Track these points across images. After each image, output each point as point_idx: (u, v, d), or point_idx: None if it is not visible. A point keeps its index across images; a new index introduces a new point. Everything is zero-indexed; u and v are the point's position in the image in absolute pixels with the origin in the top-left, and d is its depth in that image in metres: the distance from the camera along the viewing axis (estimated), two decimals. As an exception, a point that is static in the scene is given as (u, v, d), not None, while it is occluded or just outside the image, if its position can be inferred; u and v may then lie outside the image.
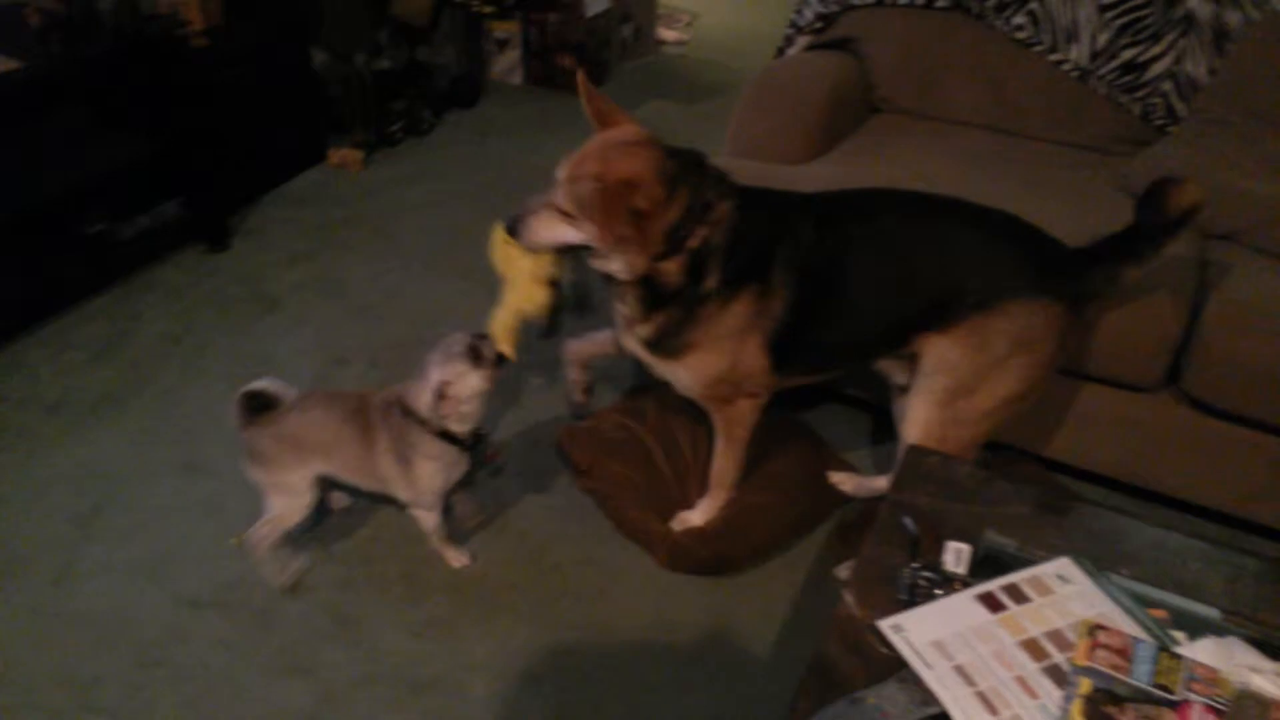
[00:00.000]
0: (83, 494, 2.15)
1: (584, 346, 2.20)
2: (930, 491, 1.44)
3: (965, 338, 1.74)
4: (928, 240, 1.76)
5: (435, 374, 1.76)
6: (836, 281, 1.76)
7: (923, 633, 1.18)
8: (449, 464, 1.87)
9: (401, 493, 1.91)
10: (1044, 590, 1.25)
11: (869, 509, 2.12)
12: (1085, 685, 1.10)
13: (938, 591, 1.25)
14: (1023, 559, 1.32)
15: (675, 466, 2.18)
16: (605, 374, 2.42)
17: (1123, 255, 1.70)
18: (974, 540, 1.34)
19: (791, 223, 1.74)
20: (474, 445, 1.89)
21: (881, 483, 2.18)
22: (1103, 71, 2.50)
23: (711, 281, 1.70)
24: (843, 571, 1.99)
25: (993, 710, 1.09)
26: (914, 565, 1.29)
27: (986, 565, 1.31)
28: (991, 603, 1.23)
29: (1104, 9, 2.48)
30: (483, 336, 1.80)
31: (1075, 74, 2.53)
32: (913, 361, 1.84)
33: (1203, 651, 1.16)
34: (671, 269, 1.69)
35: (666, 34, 5.07)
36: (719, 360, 1.79)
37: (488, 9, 4.32)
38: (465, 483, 1.99)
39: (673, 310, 1.74)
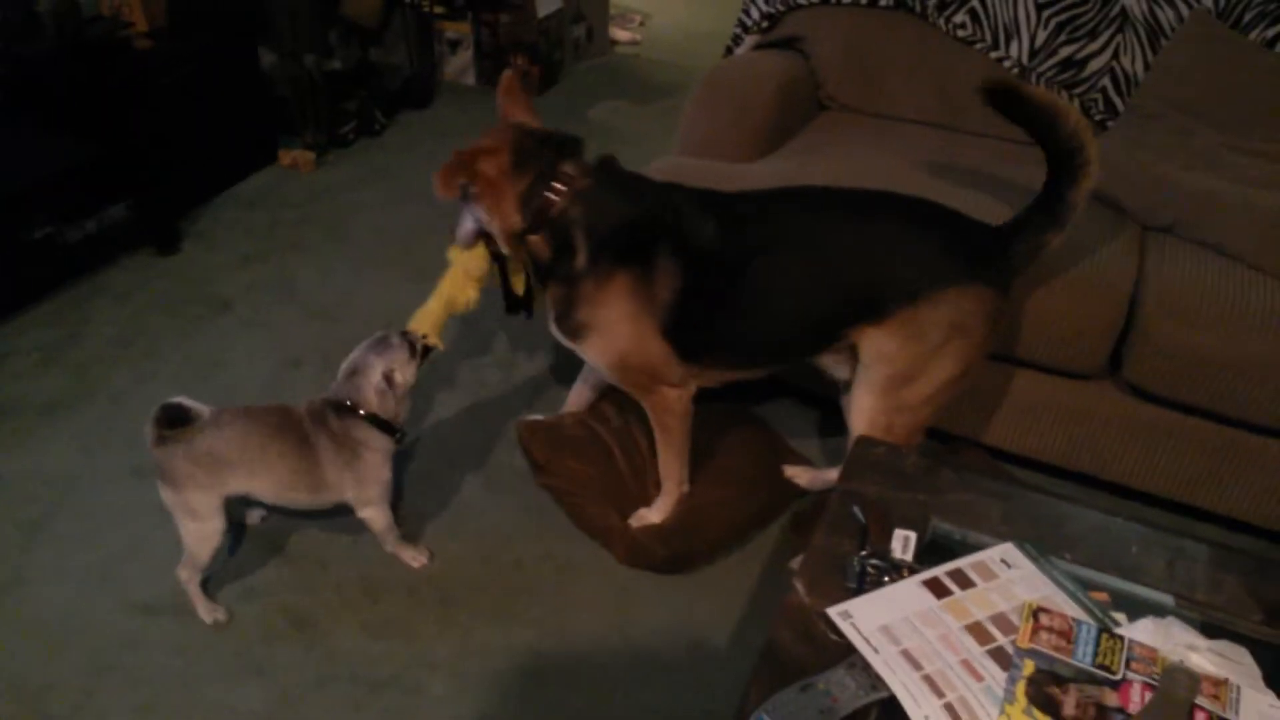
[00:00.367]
0: (31, 500, 2.12)
1: (578, 398, 2.31)
2: (878, 481, 1.47)
3: (900, 329, 1.77)
4: (848, 236, 1.79)
5: (379, 364, 1.85)
6: (743, 276, 1.78)
7: (871, 619, 1.21)
8: (389, 454, 1.90)
9: (351, 494, 1.90)
10: (988, 575, 1.29)
11: (822, 501, 2.15)
12: (1029, 667, 1.14)
13: (886, 579, 1.28)
14: (968, 545, 1.36)
15: (633, 464, 2.19)
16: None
17: (1041, 223, 1.75)
18: (921, 528, 1.37)
19: (681, 213, 1.80)
20: (401, 437, 1.93)
21: (834, 475, 2.21)
22: (1042, 68, 2.56)
23: (581, 259, 1.78)
24: (797, 564, 2.02)
25: (939, 693, 1.12)
26: (863, 553, 1.32)
27: (933, 552, 1.34)
28: (937, 588, 1.26)
29: (1041, 7, 2.54)
30: (406, 332, 1.91)
31: (1016, 71, 2.58)
32: (852, 354, 1.87)
33: (1142, 632, 1.19)
34: (538, 242, 1.81)
35: (619, 34, 5.09)
36: (613, 343, 1.85)
37: (438, 9, 4.31)
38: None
39: (555, 286, 1.84)
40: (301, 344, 2.64)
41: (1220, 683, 1.11)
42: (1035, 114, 1.73)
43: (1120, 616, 1.24)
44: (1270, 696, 1.12)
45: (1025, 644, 1.17)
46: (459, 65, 4.51)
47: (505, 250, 1.87)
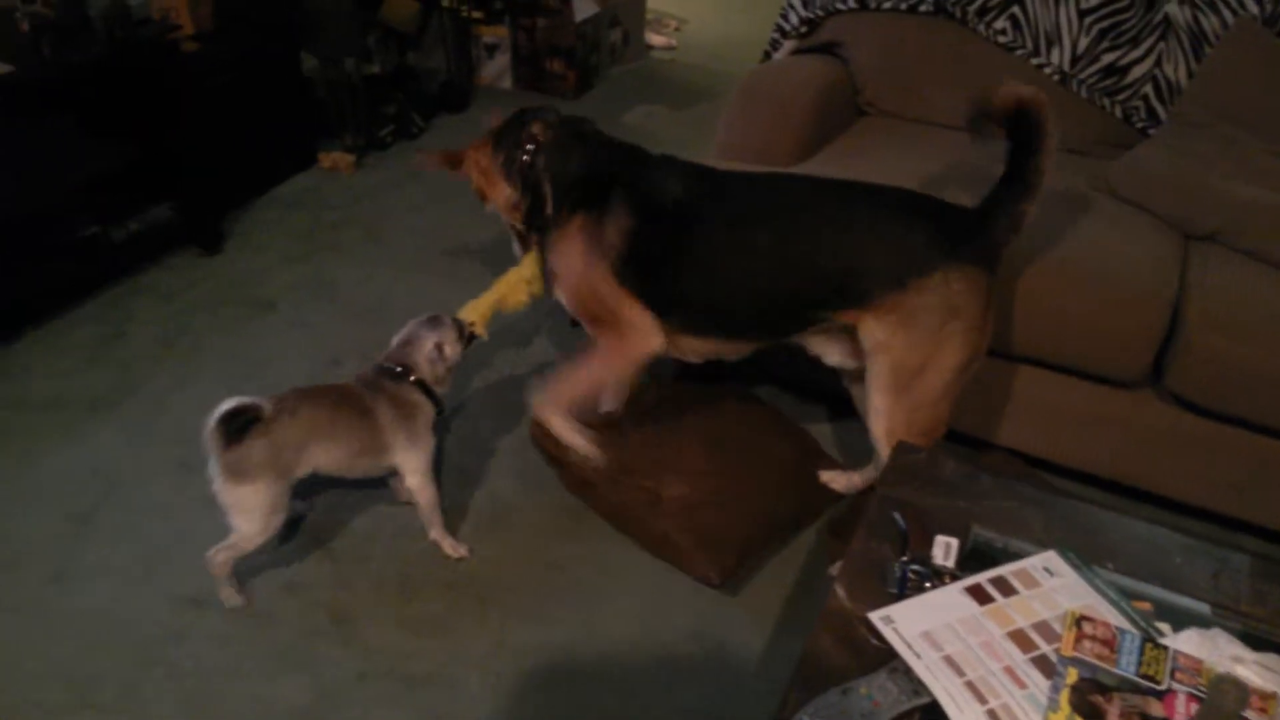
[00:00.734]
0: (79, 494, 2.16)
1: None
2: (918, 487, 1.47)
3: (888, 316, 1.78)
4: (822, 216, 1.82)
5: (432, 336, 2.02)
6: (705, 234, 1.85)
7: (913, 624, 1.21)
8: (432, 422, 2.03)
9: (406, 458, 1.98)
10: (1031, 583, 1.28)
11: (857, 505, 2.15)
12: (1072, 675, 1.13)
13: (927, 585, 1.28)
14: (1009, 552, 1.36)
15: (644, 436, 2.21)
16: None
17: (1015, 194, 1.73)
18: (961, 534, 1.37)
19: (644, 167, 1.94)
20: (441, 410, 2.06)
21: (860, 478, 2.21)
22: (1084, 75, 2.55)
23: (549, 207, 1.98)
24: (836, 570, 2.02)
25: (982, 699, 1.12)
26: (903, 559, 1.32)
27: (974, 559, 1.34)
28: (980, 595, 1.26)
29: (1084, 13, 2.52)
30: (455, 317, 2.09)
31: (1056, 77, 2.57)
32: (850, 343, 1.89)
33: (1187, 642, 1.19)
34: (517, 198, 2.05)
35: (655, 39, 5.10)
36: (569, 279, 1.98)
37: (476, 14, 4.35)
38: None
39: (538, 243, 2.06)
40: (341, 344, 2.67)
41: (1269, 696, 1.10)
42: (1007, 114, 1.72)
43: (1164, 626, 1.24)
44: (1319, 711, 1.11)
45: (1068, 652, 1.16)
46: (496, 69, 4.55)
47: (506, 217, 2.12)
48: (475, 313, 2.12)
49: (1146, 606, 1.27)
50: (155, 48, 2.81)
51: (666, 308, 1.93)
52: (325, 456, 1.91)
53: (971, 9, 2.60)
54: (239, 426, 1.77)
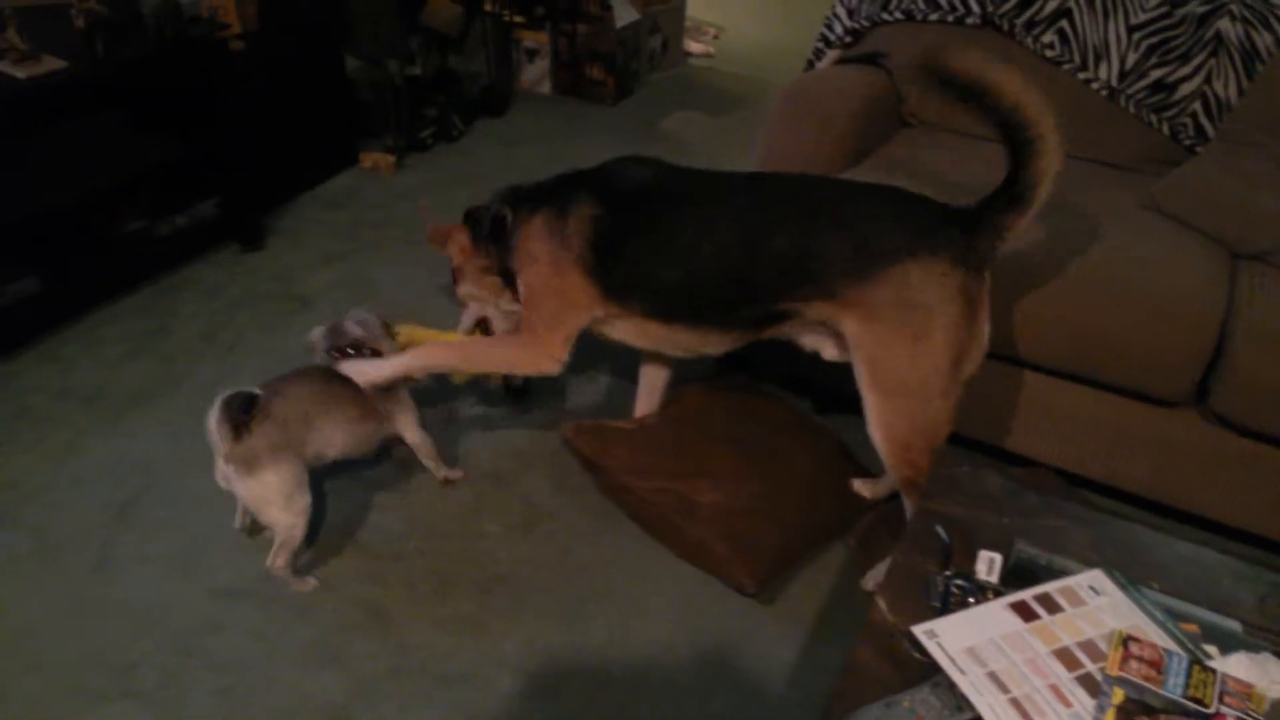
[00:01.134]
0: (119, 485, 2.19)
1: (644, 405, 2.39)
2: (961, 501, 1.46)
3: (855, 309, 1.77)
4: (786, 206, 1.83)
5: (362, 316, 2.17)
6: (663, 213, 1.89)
7: (957, 639, 1.20)
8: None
9: (401, 421, 2.12)
10: (1076, 601, 1.27)
11: (886, 514, 2.14)
12: (1118, 695, 1.12)
13: (970, 599, 1.27)
14: (1053, 570, 1.35)
15: (680, 437, 2.23)
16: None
17: (1003, 202, 1.70)
18: (1005, 550, 1.36)
19: (604, 168, 2.01)
20: None
21: (882, 487, 2.19)
22: (1131, 91, 2.52)
23: (511, 229, 2.08)
24: (870, 582, 2.01)
25: (1026, 717, 1.11)
26: (946, 573, 1.31)
27: (1017, 575, 1.33)
28: (1024, 611, 1.25)
29: (1133, 29, 2.50)
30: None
31: (1104, 92, 2.55)
32: (833, 335, 1.89)
33: (1236, 666, 1.17)
34: (488, 262, 2.19)
35: (694, 46, 5.12)
36: (532, 270, 2.02)
37: (518, 19, 4.37)
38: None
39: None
40: (379, 343, 2.69)
41: (1321, 722, 1.09)
42: (966, 90, 1.67)
43: (1211, 649, 1.22)
44: (1372, 739, 1.09)
45: (1114, 672, 1.15)
46: (535, 74, 4.57)
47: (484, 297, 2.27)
48: (410, 331, 2.26)
49: (1193, 628, 1.26)
50: (204, 46, 2.84)
51: (628, 291, 1.95)
52: (330, 431, 1.96)
53: (1019, 22, 2.58)
54: (242, 415, 1.81)
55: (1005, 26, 2.60)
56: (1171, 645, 1.21)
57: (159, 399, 2.46)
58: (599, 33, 4.33)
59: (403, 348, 2.16)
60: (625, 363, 2.51)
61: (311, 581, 1.97)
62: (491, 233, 2.13)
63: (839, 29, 2.83)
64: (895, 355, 1.77)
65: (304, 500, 1.91)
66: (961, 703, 1.13)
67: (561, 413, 2.49)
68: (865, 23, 2.76)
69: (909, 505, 1.93)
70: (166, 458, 2.27)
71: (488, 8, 4.16)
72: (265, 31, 3.14)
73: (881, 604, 1.29)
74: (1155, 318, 1.95)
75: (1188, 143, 2.49)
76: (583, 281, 1.96)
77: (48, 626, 1.87)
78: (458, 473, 2.26)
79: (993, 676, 1.15)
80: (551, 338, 2.02)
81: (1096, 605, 1.27)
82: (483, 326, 2.34)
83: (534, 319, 2.04)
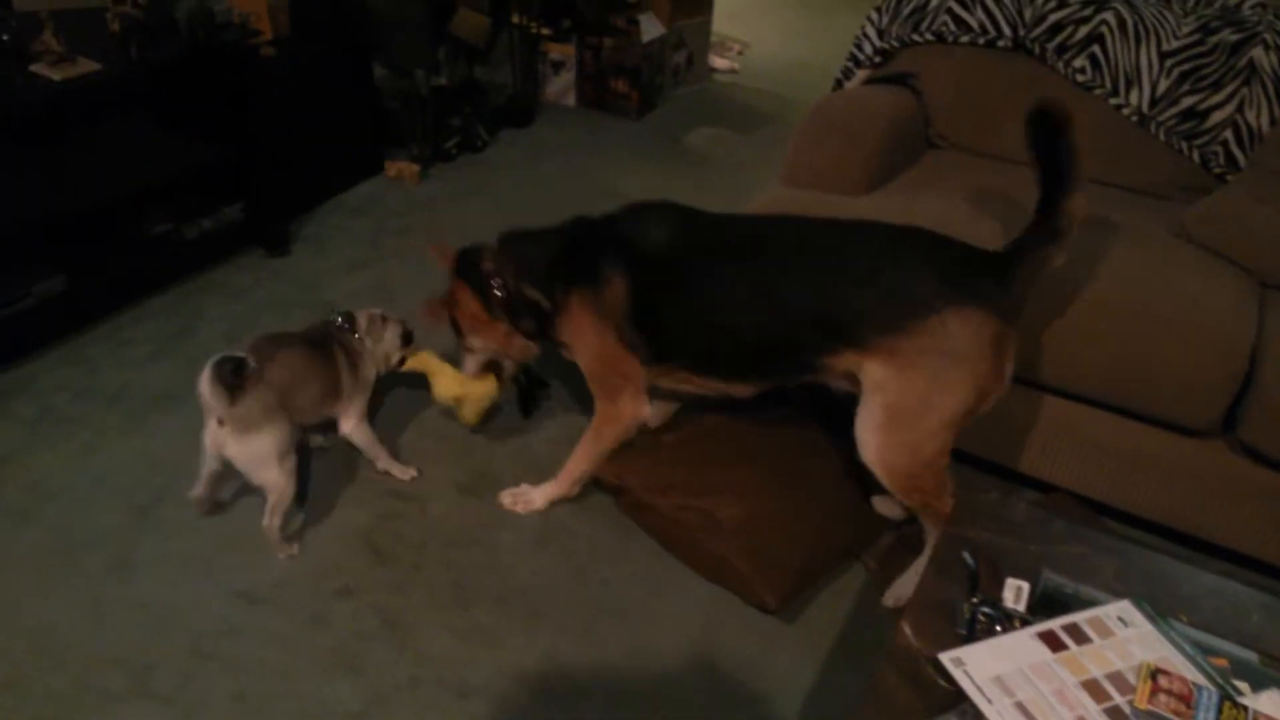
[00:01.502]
0: (141, 485, 2.20)
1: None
2: (989, 527, 1.45)
3: (886, 357, 1.75)
4: (814, 257, 1.81)
5: (378, 311, 2.28)
6: (691, 275, 1.88)
7: (984, 668, 1.19)
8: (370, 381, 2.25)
9: (348, 405, 2.17)
10: (1104, 631, 1.26)
11: (905, 535, 2.13)
12: (1147, 728, 1.11)
13: (997, 628, 1.26)
14: (1080, 599, 1.33)
15: (702, 452, 2.24)
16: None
17: (1039, 239, 1.70)
18: (1032, 578, 1.35)
19: (621, 224, 2.00)
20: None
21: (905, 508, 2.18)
22: (1162, 117, 2.51)
23: (545, 304, 2.09)
24: (890, 599, 2.00)
25: (1053, 747, 1.10)
26: (973, 600, 1.30)
27: (1043, 604, 1.32)
28: (1052, 641, 1.23)
29: (1166, 56, 2.49)
30: (409, 340, 2.34)
31: (1134, 119, 2.54)
32: (855, 381, 1.86)
33: (1269, 703, 1.16)
34: (509, 328, 2.19)
35: (718, 62, 5.13)
36: (589, 354, 2.05)
37: (545, 31, 4.40)
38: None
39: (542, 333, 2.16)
40: (401, 350, 2.70)
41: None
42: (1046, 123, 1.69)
43: (1242, 685, 1.21)
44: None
45: (1143, 705, 1.14)
46: (560, 86, 4.59)
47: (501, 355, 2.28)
48: (423, 358, 2.33)
49: (1223, 663, 1.24)
50: (235, 51, 2.86)
51: (669, 352, 1.98)
52: (306, 396, 2.04)
53: (1050, 46, 2.57)
54: (234, 378, 1.87)
55: (1036, 50, 2.60)
56: (1201, 680, 1.19)
57: (182, 401, 2.47)
58: (625, 46, 4.34)
59: (410, 360, 2.32)
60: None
61: (294, 549, 2.06)
62: (536, 320, 2.13)
63: (868, 49, 2.83)
64: (917, 401, 1.76)
65: (293, 460, 2.00)
66: (988, 732, 1.11)
67: (578, 425, 2.48)
68: (895, 43, 2.76)
69: (927, 526, 1.93)
70: (188, 459, 2.26)
71: (515, 19, 4.19)
72: (296, 39, 3.18)
73: (907, 629, 1.28)
74: (1184, 346, 1.93)
75: (1218, 171, 2.47)
76: (628, 354, 2.00)
77: (68, 625, 1.88)
78: (411, 470, 2.28)
79: (1020, 707, 1.14)
80: (626, 399, 2.07)
81: (1125, 637, 1.26)
82: (494, 367, 2.34)
83: (603, 390, 2.09)
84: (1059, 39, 2.57)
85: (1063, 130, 1.65)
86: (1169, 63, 2.48)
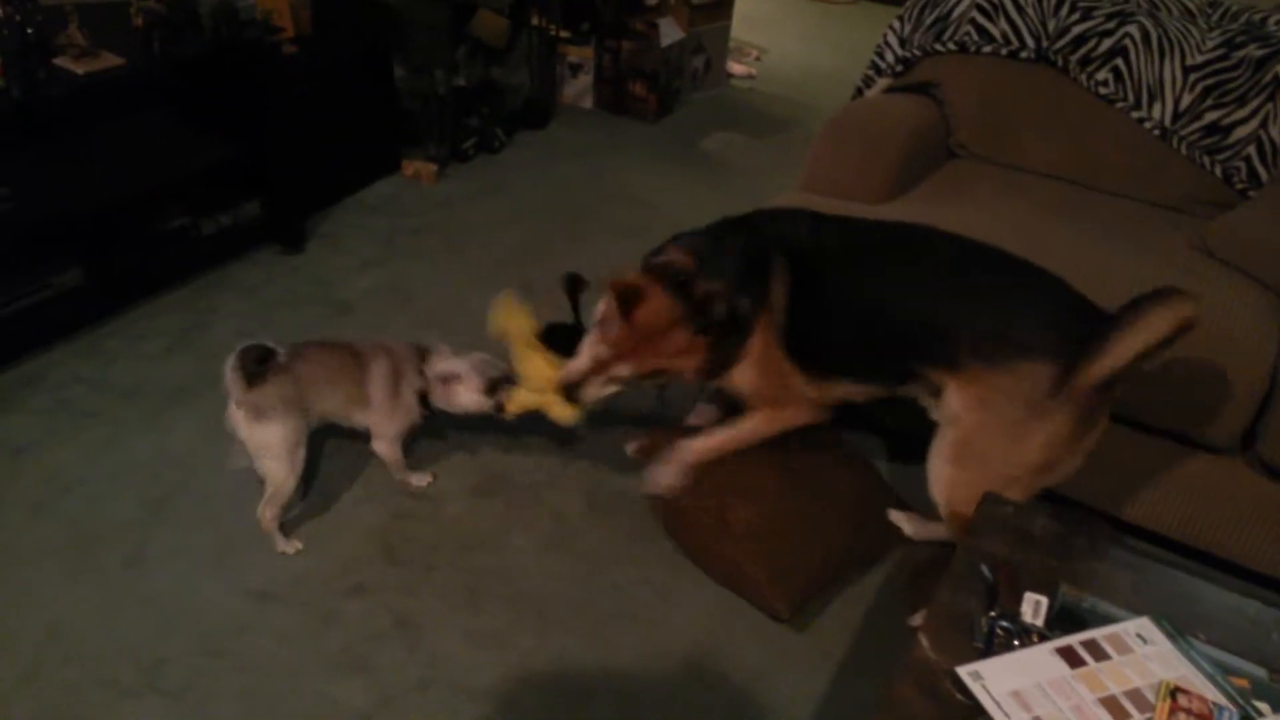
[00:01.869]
0: (156, 480, 2.21)
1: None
2: (1008, 541, 1.44)
3: (969, 388, 1.72)
4: (939, 271, 1.79)
5: (459, 367, 2.15)
6: (840, 281, 1.84)
7: (1002, 682, 1.18)
8: (415, 411, 2.17)
9: (379, 421, 2.13)
10: (1123, 648, 1.25)
11: (938, 555, 2.11)
12: (1166, 747, 1.10)
13: (1015, 642, 1.25)
14: (1098, 615, 1.32)
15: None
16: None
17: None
18: (1050, 593, 1.34)
19: (781, 231, 1.89)
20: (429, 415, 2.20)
21: (937, 528, 2.17)
22: (1185, 132, 2.50)
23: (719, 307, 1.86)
24: (916, 620, 1.98)
25: (1072, 765, 1.09)
26: (991, 614, 1.29)
27: (1061, 619, 1.31)
28: (1071, 657, 1.22)
29: (1190, 70, 2.48)
30: (510, 382, 2.10)
31: (1156, 132, 2.52)
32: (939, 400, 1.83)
33: (1288, 723, 1.15)
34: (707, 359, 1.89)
35: (736, 68, 5.12)
36: (756, 370, 1.91)
37: (564, 34, 4.40)
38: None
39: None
40: (415, 350, 2.70)
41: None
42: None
43: (1263, 706, 1.19)
44: None
45: (1163, 724, 1.13)
46: (578, 89, 4.59)
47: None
48: (518, 401, 2.07)
49: (1244, 683, 1.23)
50: (257, 48, 2.87)
51: (813, 357, 1.90)
52: (328, 400, 2.06)
53: (1074, 58, 2.56)
54: (255, 366, 1.91)
55: (1059, 62, 2.59)
56: (1221, 699, 1.18)
57: (197, 396, 2.47)
58: (643, 50, 4.34)
59: (510, 405, 2.09)
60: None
61: (296, 544, 2.06)
62: (734, 324, 1.87)
63: (890, 57, 2.82)
64: (986, 443, 1.72)
65: (300, 457, 2.01)
66: (1006, 748, 1.11)
67: (594, 430, 2.48)
68: (917, 52, 2.75)
69: None
70: (203, 455, 2.28)
71: (534, 21, 4.19)
72: (317, 37, 3.18)
73: (924, 641, 1.28)
74: (1204, 363, 1.92)
75: (1240, 186, 2.46)
76: (791, 366, 1.92)
77: (81, 619, 1.88)
78: (426, 478, 2.27)
79: (1039, 723, 1.13)
80: (794, 400, 1.96)
81: (1144, 654, 1.25)
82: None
83: (770, 398, 1.98)
84: (1082, 51, 2.56)
85: None
86: (1193, 77, 2.47)
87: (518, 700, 1.80)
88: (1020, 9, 2.63)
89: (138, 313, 2.78)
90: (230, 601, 1.94)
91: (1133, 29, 2.52)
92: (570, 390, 1.93)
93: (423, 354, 2.17)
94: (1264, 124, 2.41)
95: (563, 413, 2.00)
